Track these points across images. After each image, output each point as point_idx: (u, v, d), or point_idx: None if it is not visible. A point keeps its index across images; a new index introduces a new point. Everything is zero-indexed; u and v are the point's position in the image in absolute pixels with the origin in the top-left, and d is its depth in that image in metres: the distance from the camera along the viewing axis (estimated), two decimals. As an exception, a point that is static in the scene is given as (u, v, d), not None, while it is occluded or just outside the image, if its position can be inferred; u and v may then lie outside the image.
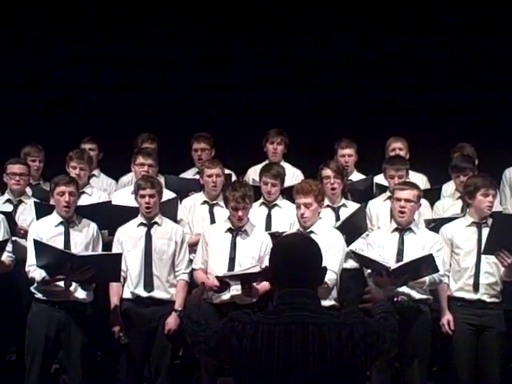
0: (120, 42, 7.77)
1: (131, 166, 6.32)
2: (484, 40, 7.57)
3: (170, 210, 5.75)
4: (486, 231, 5.25)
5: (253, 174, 6.75)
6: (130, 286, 5.39)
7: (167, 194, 5.96)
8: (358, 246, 5.54)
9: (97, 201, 6.07)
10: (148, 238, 5.44)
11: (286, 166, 6.60)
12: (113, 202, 6.01)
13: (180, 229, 5.60)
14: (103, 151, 6.94)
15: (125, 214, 5.61)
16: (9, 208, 5.95)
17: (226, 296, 5.26)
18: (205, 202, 6.07)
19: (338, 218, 5.88)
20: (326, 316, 2.75)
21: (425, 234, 5.37)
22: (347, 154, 6.72)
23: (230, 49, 7.91)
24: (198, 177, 6.28)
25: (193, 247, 5.64)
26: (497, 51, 7.68)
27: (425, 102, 7.92)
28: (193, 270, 5.48)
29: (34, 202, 5.89)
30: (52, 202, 5.54)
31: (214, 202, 6.04)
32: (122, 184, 6.75)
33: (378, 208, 5.98)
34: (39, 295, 5.28)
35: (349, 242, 5.51)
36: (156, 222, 5.48)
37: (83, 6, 7.56)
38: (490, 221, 5.30)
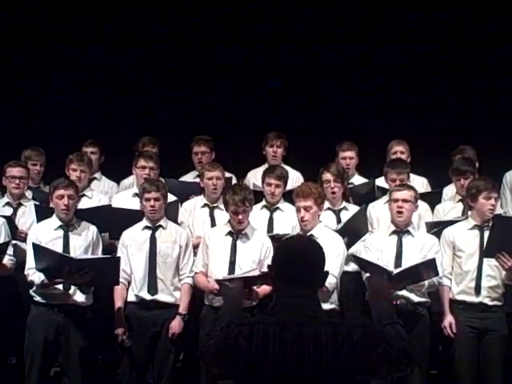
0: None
1: (132, 169, 6.31)
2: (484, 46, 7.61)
3: (170, 214, 5.73)
4: (488, 234, 5.23)
5: (253, 177, 6.75)
6: (135, 289, 5.38)
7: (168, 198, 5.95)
8: (357, 249, 5.52)
9: (97, 204, 6.06)
10: (152, 241, 5.42)
11: (286, 168, 6.57)
12: (114, 205, 6.00)
13: (185, 232, 5.58)
14: (104, 154, 6.95)
15: (125, 217, 5.61)
16: (8, 211, 5.93)
17: (226, 299, 5.24)
18: (205, 205, 6.06)
19: (339, 221, 5.87)
20: (324, 317, 2.75)
21: (422, 237, 5.38)
22: (348, 156, 6.72)
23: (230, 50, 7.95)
24: (198, 180, 6.28)
25: (193, 250, 5.62)
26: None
27: (426, 105, 7.91)
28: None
29: (35, 204, 5.86)
30: (51, 205, 5.53)
31: (215, 204, 6.03)
32: (124, 187, 6.74)
33: (379, 211, 5.96)
34: (38, 298, 5.28)
35: (350, 244, 5.50)
36: (161, 225, 5.47)
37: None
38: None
